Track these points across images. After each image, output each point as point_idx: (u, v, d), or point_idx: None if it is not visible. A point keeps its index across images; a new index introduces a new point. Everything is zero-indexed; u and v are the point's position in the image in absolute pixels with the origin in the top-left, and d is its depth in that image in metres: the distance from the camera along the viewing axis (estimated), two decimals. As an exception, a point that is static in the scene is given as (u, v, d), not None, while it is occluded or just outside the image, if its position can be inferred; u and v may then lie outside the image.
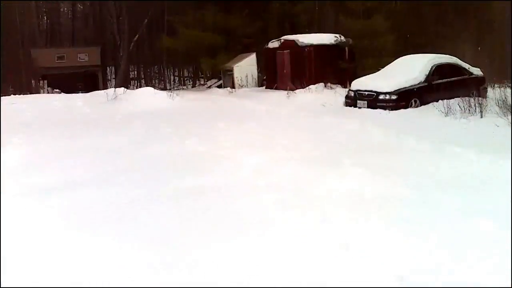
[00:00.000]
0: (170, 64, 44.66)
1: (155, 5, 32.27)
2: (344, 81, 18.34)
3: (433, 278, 3.67)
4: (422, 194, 5.72)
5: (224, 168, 6.89)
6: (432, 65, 14.21)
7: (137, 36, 32.56)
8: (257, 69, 23.72)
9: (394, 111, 12.89)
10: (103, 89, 20.36)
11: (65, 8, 49.54)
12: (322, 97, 15.81)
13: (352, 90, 14.33)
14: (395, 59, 16.05)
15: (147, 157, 7.78)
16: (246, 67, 23.90)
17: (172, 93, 16.70)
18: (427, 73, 13.95)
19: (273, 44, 20.46)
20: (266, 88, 21.15)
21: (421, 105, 13.43)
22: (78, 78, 34.86)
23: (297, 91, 17.35)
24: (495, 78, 16.33)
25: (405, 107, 13.18)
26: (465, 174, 6.55)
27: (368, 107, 13.45)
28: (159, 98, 16.14)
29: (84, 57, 34.82)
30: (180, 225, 4.83)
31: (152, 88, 17.44)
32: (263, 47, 21.45)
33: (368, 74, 16.12)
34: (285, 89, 18.21)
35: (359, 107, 13.66)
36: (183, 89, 33.73)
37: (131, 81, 49.30)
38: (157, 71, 53.90)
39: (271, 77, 20.81)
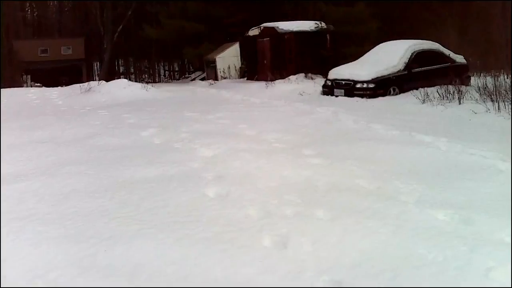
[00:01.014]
0: (160, 57, 44.08)
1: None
2: (326, 72, 17.82)
3: (372, 280, 3.24)
4: (380, 184, 5.31)
5: (174, 160, 6.44)
6: (412, 51, 13.78)
7: (121, 27, 31.93)
8: (241, 60, 23.25)
9: (371, 99, 12.45)
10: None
11: (52, 3, 48.83)
12: (301, 87, 15.38)
13: (329, 79, 13.90)
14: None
15: (99, 148, 7.31)
16: (229, 58, 23.47)
17: (146, 85, 16.22)
18: (407, 61, 13.53)
19: (253, 31, 19.93)
20: (247, 79, 20.67)
21: (400, 93, 13.00)
22: (62, 73, 34.34)
23: (277, 81, 16.90)
24: (480, 67, 15.94)
25: (383, 95, 12.77)
26: (430, 164, 6.13)
27: (345, 95, 13.03)
28: (132, 89, 15.71)
29: (68, 50, 34.18)
30: (107, 218, 4.37)
31: (126, 80, 16.98)
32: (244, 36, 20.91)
33: (347, 61, 15.74)
34: (266, 80, 17.74)
35: (336, 96, 13.24)
36: (167, 82, 33.28)
37: (119, 76, 48.79)
38: (148, 66, 53.41)
39: (252, 67, 20.31)
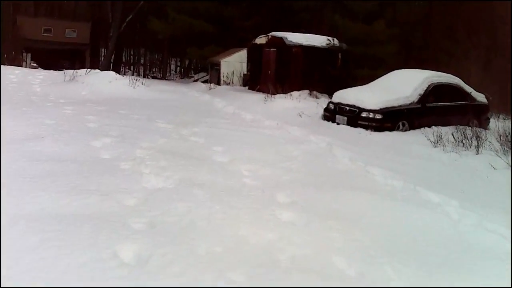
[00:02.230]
0: (171, 53, 42.74)
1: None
2: (332, 91, 16.34)
3: None
4: (364, 269, 3.85)
5: (108, 188, 4.99)
6: (429, 83, 12.25)
7: (130, 17, 30.57)
8: (247, 67, 21.86)
9: (376, 132, 10.97)
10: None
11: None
12: (302, 106, 13.87)
13: (332, 103, 12.39)
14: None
15: (27, 157, 5.85)
16: (234, 63, 22.12)
17: (135, 81, 14.79)
18: (422, 93, 12.00)
19: (261, 40, 18.43)
20: (249, 88, 19.19)
21: (410, 129, 11.49)
22: (64, 56, 33.05)
23: (278, 96, 15.41)
24: (500, 108, 14.46)
25: (391, 129, 11.25)
26: (436, 241, 4.65)
27: (348, 124, 11.51)
28: (118, 85, 14.31)
29: (72, 33, 32.82)
30: None
31: (114, 73, 15.56)
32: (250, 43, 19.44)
33: (358, 83, 14.28)
34: (267, 92, 16.28)
35: (338, 123, 11.73)
36: (167, 80, 31.93)
37: (124, 66, 47.50)
38: (160, 59, 52.01)
39: (255, 77, 18.82)
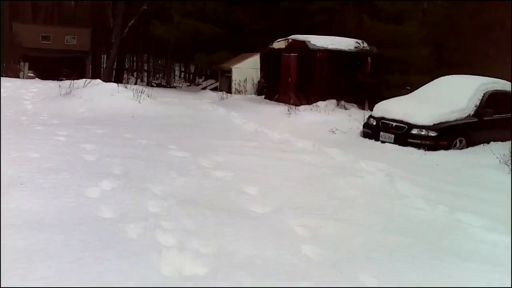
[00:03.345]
0: (175, 58, 40.99)
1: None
2: (362, 101, 14.60)
3: None
4: None
5: (110, 271, 3.22)
6: (483, 92, 10.44)
7: (132, 21, 28.81)
8: (260, 73, 20.11)
9: (431, 151, 9.17)
10: (91, 78, 16.86)
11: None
12: (332, 120, 12.07)
13: (373, 117, 10.57)
14: (428, 78, 12.42)
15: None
16: (246, 69, 20.41)
17: (140, 94, 12.97)
18: (478, 104, 10.19)
19: (279, 44, 16.59)
20: (265, 98, 17.38)
21: (467, 147, 9.70)
22: (64, 64, 31.43)
23: (302, 107, 13.62)
24: None
25: (447, 148, 9.43)
26: None
27: (395, 142, 9.69)
28: (120, 98, 12.51)
29: (72, 40, 31.09)
30: None
31: (116, 85, 13.79)
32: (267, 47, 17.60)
33: (394, 93, 12.48)
34: (287, 103, 14.52)
35: (382, 141, 9.92)
36: (178, 87, 30.19)
37: (128, 73, 45.81)
38: (163, 65, 50.16)
39: (273, 85, 17.00)
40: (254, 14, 22.73)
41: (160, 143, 8.11)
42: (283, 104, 14.74)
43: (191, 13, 22.07)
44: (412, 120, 9.65)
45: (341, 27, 18.92)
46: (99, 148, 7.25)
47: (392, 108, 10.37)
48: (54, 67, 30.95)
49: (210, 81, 25.74)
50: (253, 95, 19.06)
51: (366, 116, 11.24)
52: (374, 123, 10.40)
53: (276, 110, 13.72)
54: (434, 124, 9.49)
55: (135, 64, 53.85)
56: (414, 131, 9.53)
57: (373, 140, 10.18)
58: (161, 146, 7.84)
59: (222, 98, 17.08)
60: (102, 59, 38.93)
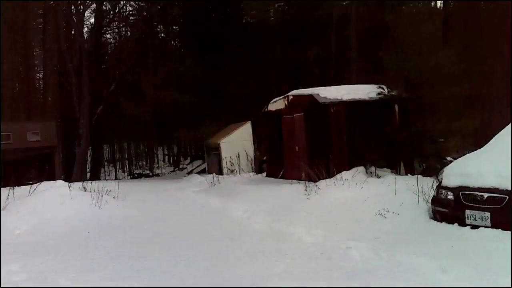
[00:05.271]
0: (156, 139, 37.70)
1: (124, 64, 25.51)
2: (395, 162, 11.02)
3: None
4: None
5: None
6: None
7: (100, 108, 25.53)
8: (254, 145, 16.67)
9: None
10: (61, 177, 13.37)
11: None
12: (369, 195, 8.42)
13: (446, 188, 6.84)
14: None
15: None
16: (237, 142, 17.01)
17: (101, 196, 9.33)
18: None
19: (277, 104, 13.03)
20: (267, 175, 13.70)
21: None
22: (30, 164, 27.76)
23: (321, 182, 9.94)
24: None
25: None
26: None
27: (493, 225, 5.96)
28: (75, 205, 8.98)
29: (35, 136, 27.51)
30: None
31: (68, 189, 10.05)
32: (261, 112, 14.09)
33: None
34: (298, 178, 10.87)
35: (471, 226, 6.18)
36: (161, 174, 26.62)
37: (108, 164, 42.33)
38: (145, 149, 46.82)
39: (275, 158, 13.38)
40: (237, 75, 19.58)
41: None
42: (294, 181, 11.07)
43: (163, 83, 18.89)
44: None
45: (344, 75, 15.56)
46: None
47: (474, 168, 6.65)
48: (19, 168, 27.26)
49: (196, 163, 22.22)
50: (251, 174, 15.44)
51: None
52: (452, 197, 6.66)
53: (288, 192, 9.99)
54: None
55: (116, 153, 50.24)
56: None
57: (455, 224, 6.43)
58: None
59: (212, 184, 13.40)
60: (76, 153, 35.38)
